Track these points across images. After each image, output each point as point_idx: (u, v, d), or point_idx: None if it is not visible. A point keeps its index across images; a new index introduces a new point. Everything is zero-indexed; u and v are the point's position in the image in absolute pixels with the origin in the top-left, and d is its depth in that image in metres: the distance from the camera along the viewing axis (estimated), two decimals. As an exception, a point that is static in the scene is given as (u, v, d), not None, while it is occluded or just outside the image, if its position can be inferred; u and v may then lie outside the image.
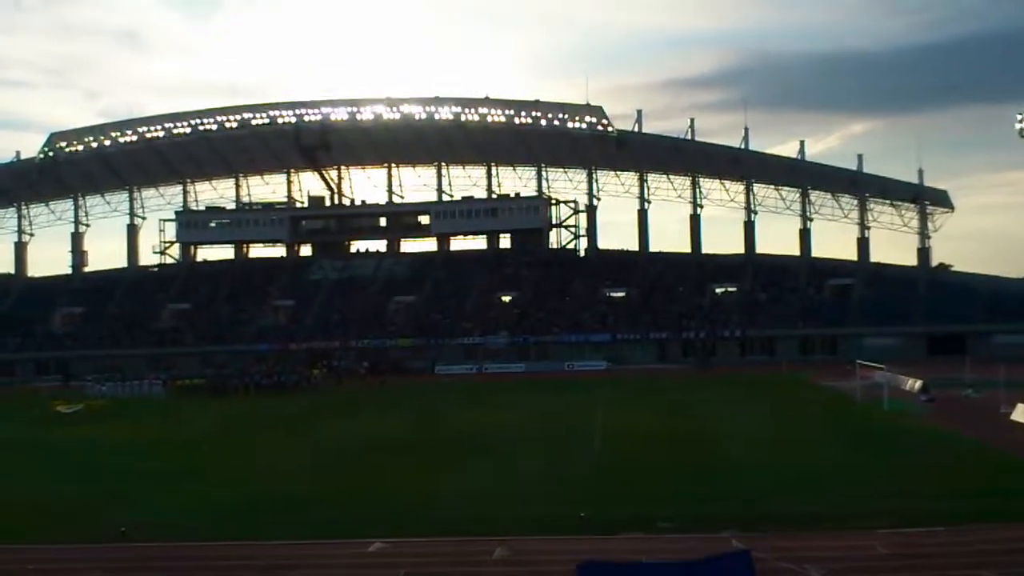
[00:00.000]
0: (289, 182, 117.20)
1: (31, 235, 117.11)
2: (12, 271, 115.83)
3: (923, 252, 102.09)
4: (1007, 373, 48.92)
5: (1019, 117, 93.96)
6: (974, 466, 31.84)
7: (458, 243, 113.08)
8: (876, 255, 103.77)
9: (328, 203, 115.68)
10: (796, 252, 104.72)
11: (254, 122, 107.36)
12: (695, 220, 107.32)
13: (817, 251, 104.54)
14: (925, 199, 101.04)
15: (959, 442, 37.32)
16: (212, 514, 27.72)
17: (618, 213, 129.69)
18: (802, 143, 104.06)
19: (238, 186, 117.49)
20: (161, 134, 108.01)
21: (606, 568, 15.77)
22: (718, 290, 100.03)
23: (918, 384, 55.77)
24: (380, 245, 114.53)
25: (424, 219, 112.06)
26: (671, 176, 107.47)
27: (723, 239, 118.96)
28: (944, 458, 33.66)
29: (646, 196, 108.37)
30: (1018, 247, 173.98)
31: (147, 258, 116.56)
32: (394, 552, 22.78)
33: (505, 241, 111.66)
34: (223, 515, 27.52)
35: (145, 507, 28.92)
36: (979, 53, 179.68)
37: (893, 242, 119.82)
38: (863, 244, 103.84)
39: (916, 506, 25.57)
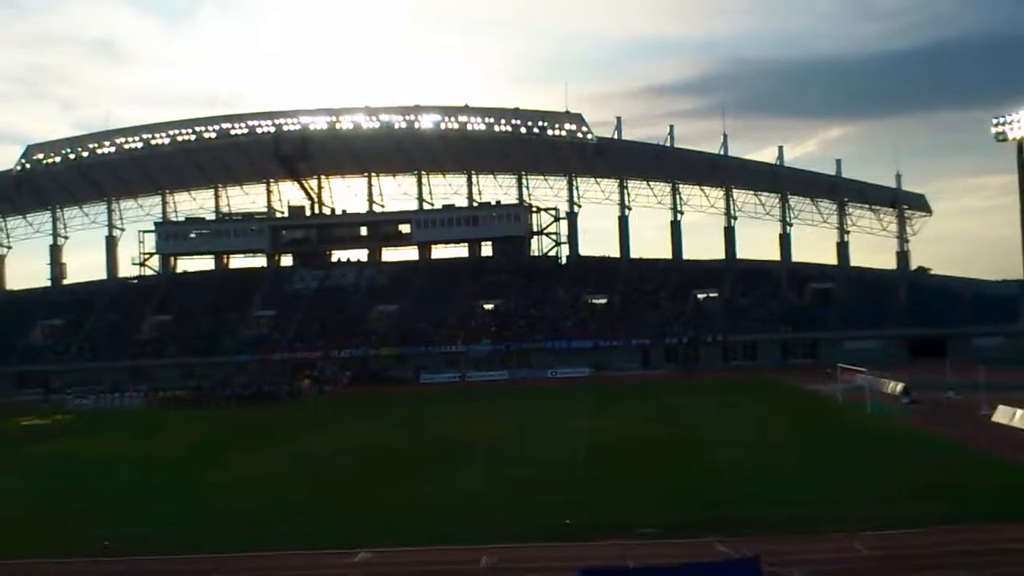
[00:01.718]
0: (269, 192, 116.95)
1: (9, 247, 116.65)
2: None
3: (902, 256, 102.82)
4: (987, 375, 49.21)
5: (995, 121, 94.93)
6: (956, 468, 32.03)
7: (439, 251, 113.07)
8: (855, 259, 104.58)
9: (308, 213, 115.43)
10: (776, 257, 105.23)
11: (233, 132, 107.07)
12: (675, 226, 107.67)
13: (797, 256, 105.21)
14: (903, 203, 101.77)
15: (941, 444, 37.54)
16: (195, 526, 27.55)
17: (599, 220, 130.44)
18: (780, 149, 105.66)
19: (217, 196, 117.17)
20: (139, 145, 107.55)
21: (606, 574, 15.63)
22: (700, 296, 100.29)
23: (900, 387, 56.09)
24: (361, 254, 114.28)
25: (405, 228, 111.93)
26: (651, 183, 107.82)
27: (704, 245, 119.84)
28: (926, 460, 33.84)
29: (626, 203, 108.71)
30: (996, 249, 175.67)
31: (127, 270, 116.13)
32: (380, 562, 22.71)
33: (487, 249, 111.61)
34: (207, 527, 27.36)
35: (126, 521, 28.71)
36: (954, 58, 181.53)
37: (872, 246, 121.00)
38: (842, 248, 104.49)
39: (898, 508, 25.71)
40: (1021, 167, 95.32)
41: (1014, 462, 32.35)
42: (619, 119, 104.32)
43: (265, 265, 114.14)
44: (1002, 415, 42.48)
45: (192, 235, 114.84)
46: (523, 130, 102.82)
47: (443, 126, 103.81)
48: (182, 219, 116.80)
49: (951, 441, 37.95)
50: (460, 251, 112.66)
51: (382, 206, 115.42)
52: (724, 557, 18.82)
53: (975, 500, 26.35)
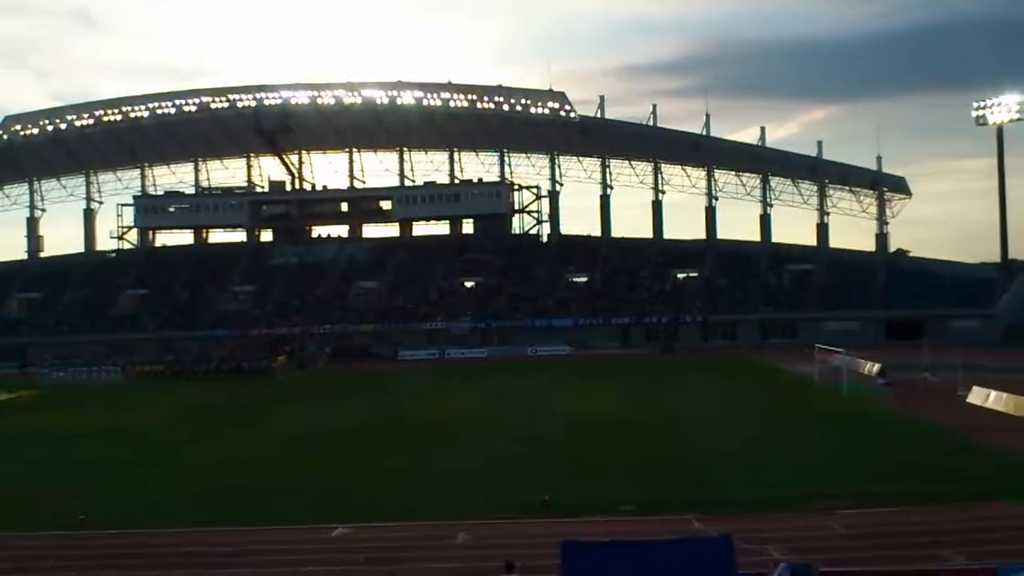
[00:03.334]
0: (249, 167, 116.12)
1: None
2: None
3: (881, 238, 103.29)
4: (963, 357, 49.70)
5: (975, 105, 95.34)
6: (931, 448, 32.31)
7: (420, 228, 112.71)
8: (835, 241, 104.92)
9: (289, 188, 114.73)
10: (757, 238, 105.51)
11: (213, 106, 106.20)
12: (657, 206, 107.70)
13: (777, 237, 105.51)
14: (883, 185, 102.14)
15: (916, 425, 37.84)
16: (174, 501, 27.49)
17: (580, 199, 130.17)
18: (762, 129, 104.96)
19: (197, 170, 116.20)
20: (118, 117, 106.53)
21: (589, 547, 15.84)
22: (680, 275, 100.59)
23: (876, 368, 56.56)
24: (342, 230, 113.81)
25: (386, 204, 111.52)
26: (633, 162, 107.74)
27: (685, 225, 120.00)
28: (901, 440, 34.15)
29: (608, 182, 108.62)
30: (974, 233, 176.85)
31: (105, 243, 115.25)
32: (357, 537, 22.74)
33: (468, 226, 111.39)
34: (185, 502, 27.30)
35: (104, 496, 28.61)
36: (936, 41, 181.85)
37: (852, 228, 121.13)
38: (822, 230, 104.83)
39: (874, 487, 25.92)
40: (1000, 151, 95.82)
41: (988, 442, 32.67)
42: (602, 98, 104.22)
43: (245, 240, 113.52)
44: (977, 396, 42.91)
45: (171, 209, 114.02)
46: (506, 108, 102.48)
47: (425, 103, 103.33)
48: (161, 193, 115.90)
49: (926, 422, 38.26)
50: (441, 228, 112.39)
51: (363, 182, 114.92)
52: (699, 534, 18.88)
53: (949, 480, 26.59)
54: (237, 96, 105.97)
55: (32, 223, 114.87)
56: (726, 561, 14.96)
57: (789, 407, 45.31)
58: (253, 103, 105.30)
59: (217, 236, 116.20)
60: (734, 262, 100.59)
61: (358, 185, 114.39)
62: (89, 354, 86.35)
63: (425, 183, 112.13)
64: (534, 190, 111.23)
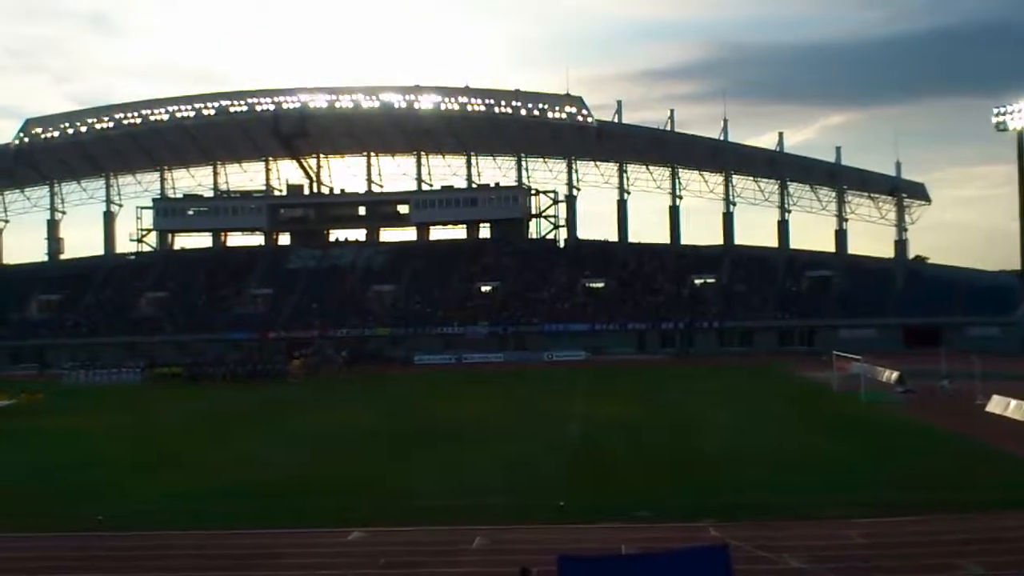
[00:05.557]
0: (267, 170, 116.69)
1: (6, 221, 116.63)
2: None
3: (900, 244, 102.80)
4: (982, 365, 49.33)
5: (995, 110, 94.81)
6: (949, 457, 32.11)
7: (437, 232, 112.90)
8: (853, 247, 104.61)
9: (307, 191, 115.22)
10: (774, 244, 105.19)
11: (232, 109, 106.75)
12: (674, 211, 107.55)
13: (795, 243, 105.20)
14: (902, 192, 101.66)
15: (935, 433, 37.62)
16: (190, 504, 27.56)
17: (597, 203, 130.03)
18: (781, 135, 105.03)
19: (216, 174, 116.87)
20: (138, 120, 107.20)
21: (586, 562, 15.88)
22: (697, 281, 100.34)
23: (894, 375, 56.23)
24: (359, 234, 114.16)
25: (403, 208, 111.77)
26: (650, 167, 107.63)
27: (702, 230, 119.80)
28: (920, 449, 33.94)
29: (625, 187, 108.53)
30: (993, 240, 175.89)
31: (124, 246, 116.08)
32: (373, 541, 22.74)
33: (485, 231, 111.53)
34: (201, 504, 27.37)
35: (121, 497, 28.72)
36: (956, 45, 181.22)
37: (870, 234, 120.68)
38: (841, 236, 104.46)
39: (892, 496, 25.76)
40: (1021, 157, 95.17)
41: (1007, 451, 32.44)
42: (619, 103, 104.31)
43: (263, 243, 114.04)
44: (996, 405, 42.59)
45: (190, 212, 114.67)
46: (523, 112, 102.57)
47: (443, 107, 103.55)
48: (180, 196, 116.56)
49: (945, 430, 38.02)
50: (458, 232, 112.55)
51: (381, 186, 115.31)
52: (697, 544, 18.80)
53: (968, 489, 26.41)
54: (255, 100, 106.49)
55: (52, 225, 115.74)
56: (725, 571, 14.95)
57: (806, 414, 45.09)
58: (271, 107, 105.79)
59: (235, 239, 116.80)
60: (751, 268, 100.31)
61: (375, 189, 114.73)
62: (109, 356, 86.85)
63: (442, 187, 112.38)
64: (551, 195, 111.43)
